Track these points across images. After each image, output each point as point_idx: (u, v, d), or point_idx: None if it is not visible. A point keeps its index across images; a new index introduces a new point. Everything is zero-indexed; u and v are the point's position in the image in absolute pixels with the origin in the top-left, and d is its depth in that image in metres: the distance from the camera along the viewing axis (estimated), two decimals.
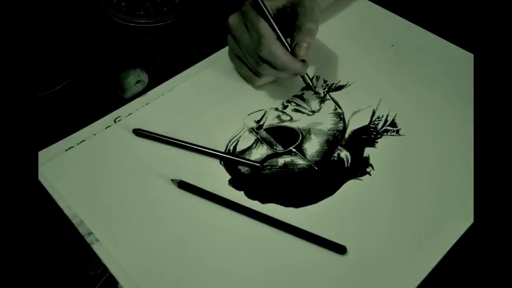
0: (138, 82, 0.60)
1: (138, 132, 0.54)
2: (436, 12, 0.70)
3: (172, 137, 0.54)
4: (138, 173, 0.52)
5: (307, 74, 0.56)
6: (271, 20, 0.53)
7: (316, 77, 0.61)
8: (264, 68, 0.54)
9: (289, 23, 0.54)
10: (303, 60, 0.54)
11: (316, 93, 0.59)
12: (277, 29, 0.53)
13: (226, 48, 0.65)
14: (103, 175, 0.51)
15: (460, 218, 0.48)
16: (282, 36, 0.53)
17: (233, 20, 0.56)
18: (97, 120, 0.57)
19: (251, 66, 0.57)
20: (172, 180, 0.50)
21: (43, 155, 0.53)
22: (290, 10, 0.55)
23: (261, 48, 0.52)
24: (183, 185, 0.50)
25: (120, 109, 0.58)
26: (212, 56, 0.64)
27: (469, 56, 0.63)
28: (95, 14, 0.71)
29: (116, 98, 0.60)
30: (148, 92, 0.60)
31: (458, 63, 0.62)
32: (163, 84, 0.61)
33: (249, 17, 0.53)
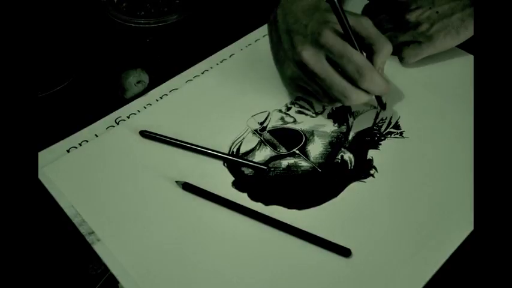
0: (138, 82, 0.62)
1: (145, 134, 0.56)
2: None
3: (176, 138, 0.55)
4: (140, 174, 0.53)
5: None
6: (360, 48, 0.52)
7: None
8: (360, 97, 0.52)
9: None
10: None
11: (383, 107, 0.58)
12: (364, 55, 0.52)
13: (227, 48, 0.67)
14: (105, 176, 0.53)
15: (462, 221, 0.49)
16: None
17: (310, 55, 0.52)
18: (98, 120, 0.58)
19: (329, 96, 0.54)
20: (176, 181, 0.52)
21: (43, 155, 0.54)
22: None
23: (364, 80, 0.50)
24: (187, 187, 0.51)
25: (120, 109, 0.59)
26: (214, 56, 0.66)
27: (469, 58, 0.65)
28: (96, 14, 0.72)
29: (117, 98, 0.61)
30: (149, 92, 0.61)
31: (460, 65, 0.64)
32: (163, 84, 0.62)
33: (337, 50, 0.51)
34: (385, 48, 0.53)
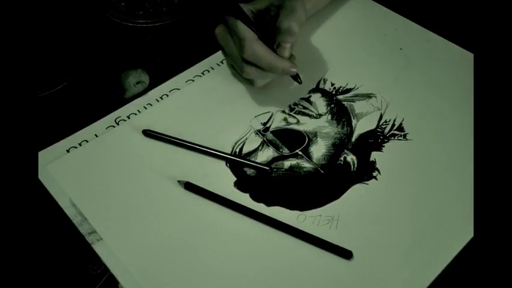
0: (138, 83, 0.64)
1: (148, 133, 0.59)
2: (437, 11, 0.74)
3: (178, 137, 0.58)
4: (142, 173, 0.56)
5: (298, 75, 0.59)
6: (250, 22, 0.56)
7: (324, 79, 0.65)
8: (248, 72, 0.58)
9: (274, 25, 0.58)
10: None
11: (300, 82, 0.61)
12: (256, 31, 0.56)
13: None
14: (106, 175, 0.56)
15: (464, 225, 0.52)
16: (263, 37, 0.57)
17: (218, 30, 0.60)
18: (97, 120, 0.61)
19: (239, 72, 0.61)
20: (178, 181, 0.54)
21: (43, 155, 0.57)
22: (274, 13, 0.59)
23: (243, 51, 0.56)
24: (189, 187, 0.54)
25: (120, 109, 0.62)
26: (214, 56, 0.69)
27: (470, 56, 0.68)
28: (94, 14, 0.75)
29: (116, 98, 0.64)
30: (149, 92, 0.64)
31: (461, 64, 0.67)
32: (163, 84, 0.65)
33: (230, 23, 0.57)
34: (284, 25, 0.57)
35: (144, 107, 0.63)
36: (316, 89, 0.65)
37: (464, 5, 0.71)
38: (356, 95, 0.64)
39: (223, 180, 0.55)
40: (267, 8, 0.59)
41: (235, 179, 0.56)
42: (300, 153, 0.58)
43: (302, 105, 0.63)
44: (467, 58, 0.68)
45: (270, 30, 0.58)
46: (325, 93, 0.64)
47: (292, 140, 0.59)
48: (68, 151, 0.58)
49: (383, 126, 0.61)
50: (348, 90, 0.65)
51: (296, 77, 0.60)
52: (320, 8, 0.72)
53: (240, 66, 0.58)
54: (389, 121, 0.61)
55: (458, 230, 0.52)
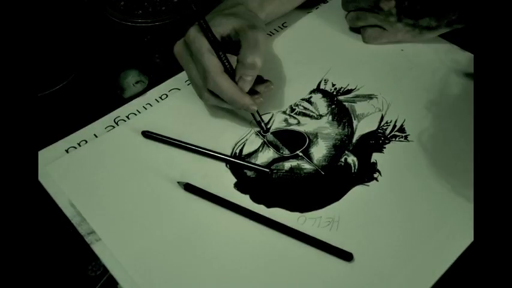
0: (137, 83, 0.65)
1: (147, 134, 0.59)
2: None
3: (178, 139, 0.58)
4: (142, 174, 0.56)
5: (258, 112, 0.59)
6: (218, 50, 0.55)
7: (325, 80, 0.66)
8: (207, 98, 0.57)
9: (235, 50, 0.57)
10: (256, 93, 0.58)
11: (266, 131, 0.61)
12: (224, 60, 0.56)
13: None
14: (107, 176, 0.56)
15: (464, 227, 0.52)
16: (228, 67, 0.56)
17: (178, 48, 0.58)
18: (96, 120, 0.61)
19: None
20: (178, 182, 0.55)
21: (42, 155, 0.57)
22: (235, 38, 0.57)
23: (207, 82, 0.55)
24: (189, 188, 0.54)
25: (119, 109, 0.62)
26: None
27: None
28: (93, 13, 0.75)
29: (116, 98, 0.64)
30: (148, 92, 0.64)
31: (466, 67, 0.67)
32: (162, 84, 0.65)
33: (193, 48, 0.55)
34: (248, 60, 0.55)
35: (144, 106, 0.63)
36: (317, 90, 0.65)
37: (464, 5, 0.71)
38: (357, 96, 0.64)
39: (223, 182, 0.56)
40: (229, 34, 0.58)
41: (235, 180, 0.56)
42: (301, 154, 0.58)
43: (303, 106, 0.63)
44: (467, 58, 0.68)
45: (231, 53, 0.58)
46: (326, 94, 0.64)
47: (292, 141, 0.59)
48: (67, 151, 0.58)
49: (384, 127, 0.61)
50: (349, 91, 0.65)
51: (260, 123, 0.60)
52: (285, 12, 0.71)
53: (200, 92, 0.58)
54: (391, 122, 0.61)
55: (459, 233, 0.52)
